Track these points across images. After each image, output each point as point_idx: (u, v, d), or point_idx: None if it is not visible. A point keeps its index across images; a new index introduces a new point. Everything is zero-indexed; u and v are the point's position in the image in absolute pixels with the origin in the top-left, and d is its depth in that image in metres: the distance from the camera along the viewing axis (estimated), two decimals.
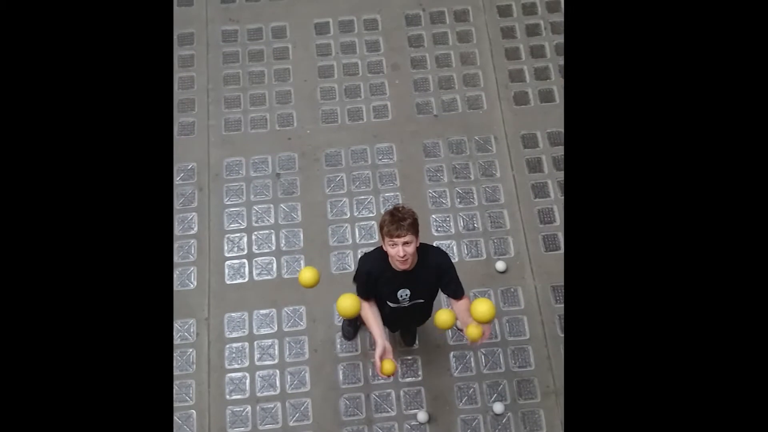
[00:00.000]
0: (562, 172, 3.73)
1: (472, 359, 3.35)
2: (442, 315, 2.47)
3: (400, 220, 2.27)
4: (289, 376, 3.37)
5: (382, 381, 3.32)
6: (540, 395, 3.26)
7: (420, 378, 3.33)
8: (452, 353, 3.35)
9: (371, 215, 3.72)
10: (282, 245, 3.65)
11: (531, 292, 3.47)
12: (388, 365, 2.45)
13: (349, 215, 3.72)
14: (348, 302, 2.40)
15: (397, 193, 3.77)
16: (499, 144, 3.84)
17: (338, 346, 3.42)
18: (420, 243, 2.39)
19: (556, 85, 3.96)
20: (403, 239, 2.27)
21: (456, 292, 2.50)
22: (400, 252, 2.28)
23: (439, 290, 2.56)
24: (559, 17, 4.12)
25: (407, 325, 3.08)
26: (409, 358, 3.36)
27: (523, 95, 3.95)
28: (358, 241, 3.65)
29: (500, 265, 3.51)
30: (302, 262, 3.61)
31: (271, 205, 3.74)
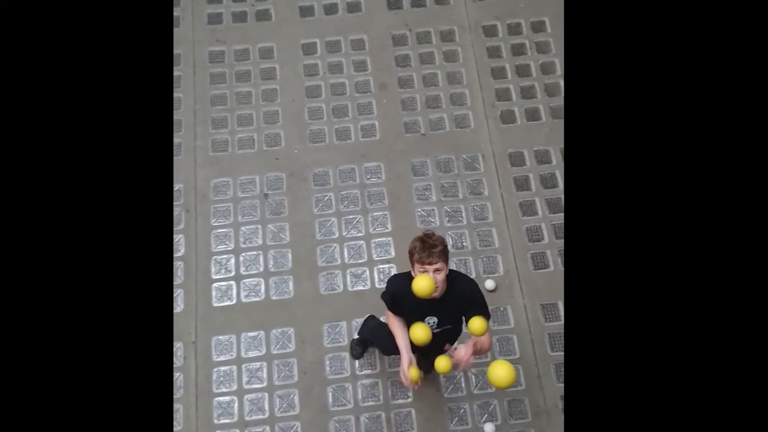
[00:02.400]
0: (550, 190, 3.75)
1: (462, 379, 3.33)
2: (441, 362, 2.42)
3: (431, 247, 2.23)
4: (278, 400, 3.33)
5: (372, 403, 3.29)
6: (531, 415, 3.24)
7: (410, 399, 3.30)
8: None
9: (360, 234, 3.71)
10: (270, 266, 3.62)
11: (520, 311, 3.47)
12: (415, 372, 2.42)
13: (337, 235, 3.71)
14: (419, 332, 2.35)
15: (386, 212, 3.76)
16: (486, 162, 3.85)
17: (327, 368, 3.38)
18: (449, 270, 2.35)
19: (542, 103, 3.99)
20: (434, 266, 2.24)
21: (475, 312, 2.43)
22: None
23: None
24: (545, 37, 4.17)
25: (430, 353, 2.97)
26: (399, 379, 3.32)
27: (509, 114, 3.98)
28: (347, 261, 3.64)
29: (489, 284, 3.50)
30: (291, 283, 3.58)
31: (259, 226, 3.72)
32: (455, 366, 2.38)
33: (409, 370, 2.40)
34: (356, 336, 3.35)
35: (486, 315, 2.45)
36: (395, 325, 2.48)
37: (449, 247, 3.56)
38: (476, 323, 2.35)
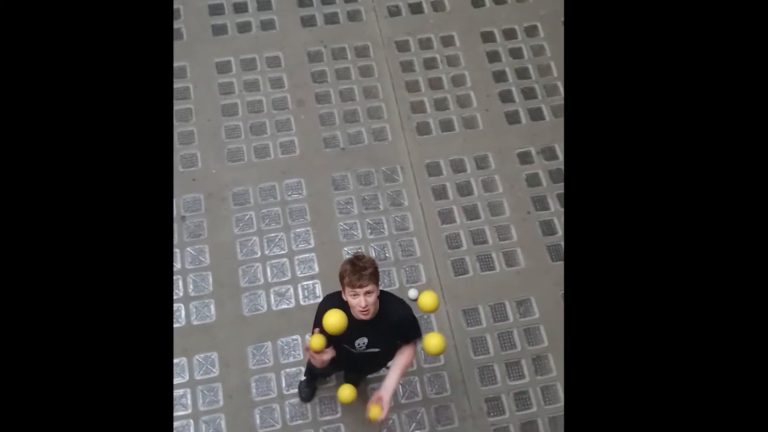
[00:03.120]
0: (466, 197, 3.86)
1: None
2: (432, 339, 2.43)
3: (361, 270, 2.19)
4: (204, 425, 3.24)
5: (300, 422, 3.26)
6: (457, 420, 3.31)
7: (339, 415, 3.29)
8: (370, 386, 3.34)
9: (283, 252, 3.68)
10: (190, 290, 3.53)
11: (443, 318, 3.54)
12: (317, 341, 2.35)
13: (260, 254, 3.67)
14: (332, 319, 2.29)
15: (308, 228, 3.76)
16: (405, 174, 3.93)
17: (254, 390, 3.33)
18: (380, 291, 2.33)
19: (455, 114, 4.12)
20: (365, 289, 2.21)
21: (411, 338, 2.48)
22: (362, 302, 2.22)
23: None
24: (454, 51, 4.31)
25: (359, 371, 2.97)
26: (327, 396, 3.32)
27: (425, 125, 4.08)
28: (270, 280, 3.60)
29: (413, 293, 3.56)
30: (212, 306, 3.51)
31: (177, 250, 3.63)
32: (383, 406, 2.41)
33: (311, 340, 2.35)
34: (303, 377, 3.26)
35: (415, 335, 2.49)
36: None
37: (357, 249, 3.64)
38: (432, 341, 2.40)
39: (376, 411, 2.42)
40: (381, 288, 2.35)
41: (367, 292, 2.22)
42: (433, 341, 2.43)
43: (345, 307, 2.33)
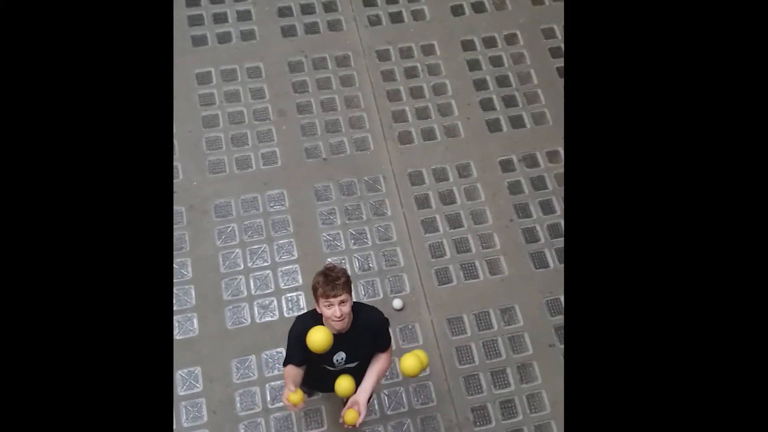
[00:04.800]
0: (449, 206, 3.87)
1: (375, 401, 3.34)
2: (408, 360, 2.43)
3: (334, 280, 2.23)
4: None
5: None
6: (444, 430, 3.30)
7: (325, 428, 3.27)
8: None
9: (266, 264, 3.66)
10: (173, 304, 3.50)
11: (428, 327, 3.54)
12: (296, 396, 2.35)
13: (242, 266, 3.64)
14: (319, 336, 2.28)
15: (292, 240, 3.74)
16: (387, 183, 3.93)
17: (238, 404, 3.30)
18: (354, 302, 2.34)
19: (437, 123, 4.13)
20: (339, 298, 2.23)
21: (383, 345, 2.48)
22: (337, 312, 2.23)
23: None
24: (435, 59, 4.32)
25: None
26: (313, 408, 3.30)
27: (407, 134, 4.08)
28: (253, 292, 3.58)
29: (397, 303, 3.56)
30: (195, 320, 3.47)
31: None
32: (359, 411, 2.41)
33: (289, 396, 2.35)
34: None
35: (387, 342, 2.49)
36: (290, 374, 2.41)
37: (356, 270, 3.63)
38: (408, 363, 2.40)
39: (352, 415, 2.41)
40: (363, 300, 2.35)
41: (342, 302, 2.25)
42: (407, 363, 2.42)
43: (320, 323, 2.33)
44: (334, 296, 2.23)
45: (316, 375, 2.47)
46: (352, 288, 2.34)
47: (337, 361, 2.42)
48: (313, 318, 2.37)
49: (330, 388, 2.52)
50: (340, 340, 2.36)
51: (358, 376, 2.52)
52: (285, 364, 2.44)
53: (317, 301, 2.29)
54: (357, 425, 2.42)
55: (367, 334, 2.41)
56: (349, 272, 3.61)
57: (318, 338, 2.28)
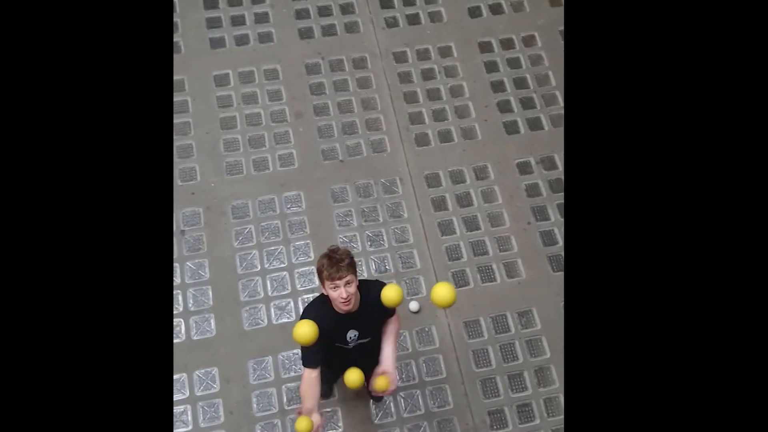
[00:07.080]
0: (466, 208, 3.86)
1: (391, 404, 3.33)
2: (441, 290, 2.43)
3: (338, 262, 2.26)
4: None
5: None
6: None
7: (341, 429, 3.27)
8: (372, 400, 3.32)
9: (282, 265, 3.67)
10: (190, 305, 3.52)
11: (445, 330, 3.52)
12: (304, 424, 2.40)
13: (259, 268, 3.66)
14: (304, 329, 2.32)
15: (308, 241, 3.75)
16: (404, 185, 3.92)
17: (254, 405, 3.31)
18: (359, 280, 2.37)
19: (454, 125, 4.11)
20: (344, 280, 2.26)
21: (391, 312, 2.52)
22: (343, 293, 2.27)
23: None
24: (452, 61, 4.31)
25: (351, 365, 2.97)
26: (329, 410, 3.29)
27: (423, 137, 4.07)
28: (270, 293, 3.59)
29: (413, 306, 3.54)
30: (212, 321, 3.49)
31: (177, 264, 3.62)
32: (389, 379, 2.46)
33: (296, 423, 2.40)
34: None
35: (394, 309, 2.51)
36: (309, 387, 2.43)
37: (373, 272, 3.63)
38: (389, 292, 2.40)
39: (383, 381, 2.45)
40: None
41: (347, 283, 2.27)
42: (441, 292, 2.41)
43: (328, 306, 2.37)
44: (339, 278, 2.26)
45: (332, 355, 2.49)
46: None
47: (350, 338, 2.46)
48: (322, 302, 2.41)
49: (346, 365, 2.57)
50: (350, 319, 2.40)
51: (373, 351, 2.56)
52: (304, 361, 2.46)
53: (323, 284, 2.33)
54: (391, 392, 2.46)
55: (375, 309, 2.44)
56: (366, 274, 3.64)
57: (303, 333, 2.31)
